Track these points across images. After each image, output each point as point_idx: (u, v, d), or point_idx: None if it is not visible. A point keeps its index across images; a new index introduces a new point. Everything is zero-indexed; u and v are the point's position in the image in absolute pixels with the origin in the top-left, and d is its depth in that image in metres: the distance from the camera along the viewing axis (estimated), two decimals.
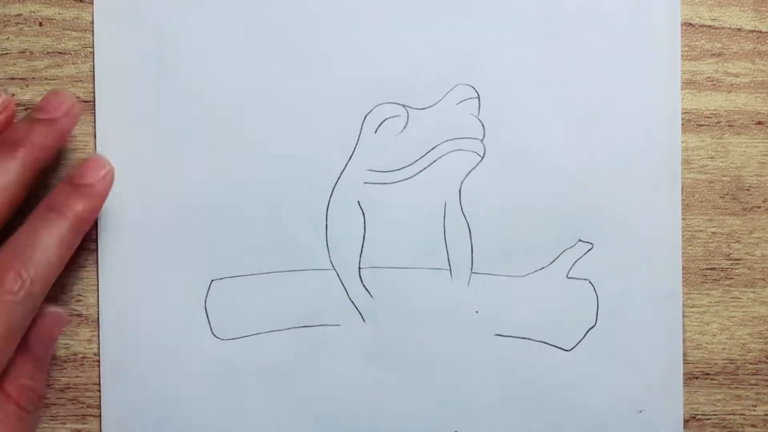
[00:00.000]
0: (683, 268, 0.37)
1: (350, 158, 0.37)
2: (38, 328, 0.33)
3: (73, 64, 0.37)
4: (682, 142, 0.37)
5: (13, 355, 0.32)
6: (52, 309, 0.34)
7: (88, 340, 0.37)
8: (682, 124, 0.37)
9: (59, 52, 0.37)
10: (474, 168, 0.37)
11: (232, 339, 0.37)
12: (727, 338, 0.37)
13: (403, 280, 0.36)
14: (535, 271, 0.36)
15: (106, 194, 0.35)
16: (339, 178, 0.37)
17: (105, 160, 0.35)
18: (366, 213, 0.37)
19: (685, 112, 0.37)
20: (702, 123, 0.37)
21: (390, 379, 0.36)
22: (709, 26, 0.37)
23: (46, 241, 0.32)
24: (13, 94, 0.36)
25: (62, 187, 0.34)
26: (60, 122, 0.34)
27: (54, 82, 0.37)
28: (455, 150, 0.37)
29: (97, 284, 0.37)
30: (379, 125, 0.37)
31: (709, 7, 0.37)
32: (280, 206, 0.37)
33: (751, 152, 0.37)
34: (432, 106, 0.37)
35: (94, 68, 0.37)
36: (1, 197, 0.32)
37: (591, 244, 0.37)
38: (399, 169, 0.37)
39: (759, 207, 0.37)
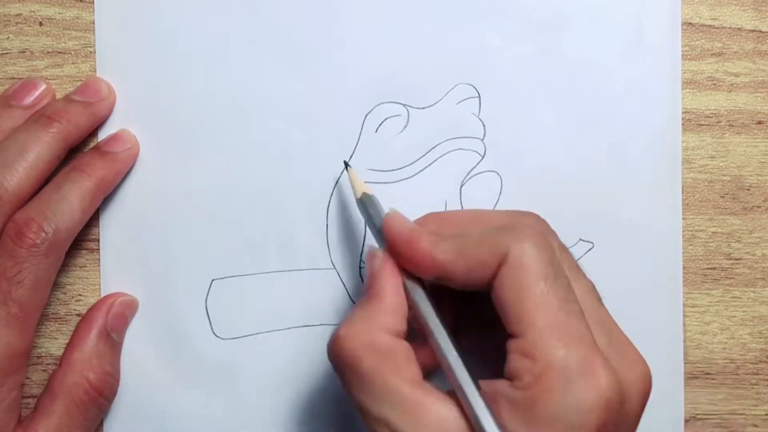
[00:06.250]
0: (683, 268, 0.37)
1: (351, 157, 0.37)
2: (113, 315, 0.35)
3: (73, 64, 0.37)
4: (683, 141, 0.37)
5: (96, 342, 0.34)
6: (122, 297, 0.36)
7: None
8: (683, 124, 0.37)
9: (59, 52, 0.37)
10: (475, 167, 0.37)
11: (233, 339, 0.37)
12: (727, 338, 0.37)
13: None
14: None
15: (130, 163, 0.36)
16: (339, 178, 0.37)
17: (131, 135, 0.36)
18: None
19: (686, 112, 0.37)
20: (702, 122, 0.37)
21: None
22: (710, 26, 0.37)
23: (68, 195, 0.33)
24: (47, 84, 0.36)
25: (88, 153, 0.36)
26: (95, 106, 0.35)
27: (54, 81, 0.37)
28: (456, 149, 0.37)
29: (98, 284, 0.37)
30: (380, 124, 0.37)
31: (710, 7, 0.37)
32: (280, 206, 0.37)
33: (752, 152, 0.37)
34: (433, 105, 0.37)
35: (94, 68, 0.37)
36: (34, 167, 0.33)
37: (591, 243, 0.37)
38: (399, 169, 0.37)
39: (759, 207, 0.37)
